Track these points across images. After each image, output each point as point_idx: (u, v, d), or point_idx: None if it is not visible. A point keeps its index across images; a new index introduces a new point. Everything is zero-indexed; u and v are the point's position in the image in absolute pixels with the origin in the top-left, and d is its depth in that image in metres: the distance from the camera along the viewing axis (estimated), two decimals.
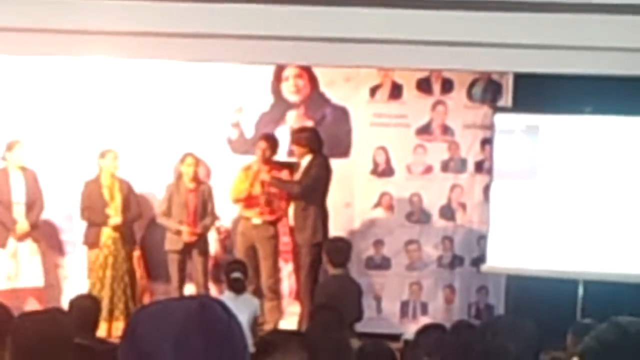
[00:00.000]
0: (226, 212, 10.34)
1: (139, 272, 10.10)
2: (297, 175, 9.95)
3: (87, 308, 6.52)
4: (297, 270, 10.21)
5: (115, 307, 9.68)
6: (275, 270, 10.23)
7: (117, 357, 2.02)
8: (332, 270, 9.08)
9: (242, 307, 8.46)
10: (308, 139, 9.97)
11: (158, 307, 2.05)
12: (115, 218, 9.78)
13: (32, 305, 9.52)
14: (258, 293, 9.89)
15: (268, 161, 10.03)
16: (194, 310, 1.97)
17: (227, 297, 8.89)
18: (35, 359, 4.11)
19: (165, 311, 2.00)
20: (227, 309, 2.01)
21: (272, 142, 10.09)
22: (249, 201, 10.05)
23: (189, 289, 10.04)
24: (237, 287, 9.10)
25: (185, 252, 9.97)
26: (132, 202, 9.98)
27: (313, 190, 9.84)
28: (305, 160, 9.91)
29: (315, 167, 9.87)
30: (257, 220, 10.06)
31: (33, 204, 9.79)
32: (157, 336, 1.95)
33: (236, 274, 9.14)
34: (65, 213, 10.28)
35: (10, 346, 4.19)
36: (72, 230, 10.26)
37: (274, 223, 10.15)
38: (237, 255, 10.05)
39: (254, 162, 10.06)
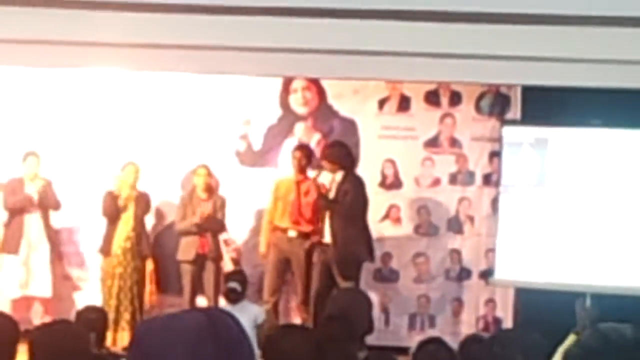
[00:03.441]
0: (235, 224, 10.33)
1: (150, 287, 10.03)
2: (331, 193, 9.65)
3: (94, 320, 6.54)
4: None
5: (121, 317, 9.63)
6: (306, 290, 9.80)
7: None
8: (343, 284, 9.06)
9: (239, 316, 8.44)
10: (339, 155, 9.70)
11: (166, 317, 2.05)
12: (127, 224, 9.79)
13: (37, 313, 9.57)
14: (275, 311, 9.67)
15: (303, 170, 9.86)
16: (204, 321, 1.98)
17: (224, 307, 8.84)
18: None
19: (174, 321, 2.00)
20: (236, 320, 2.02)
21: (306, 151, 9.94)
22: (284, 212, 9.82)
23: (201, 302, 9.97)
24: (232, 298, 9.07)
25: (198, 262, 9.87)
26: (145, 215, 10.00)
27: (357, 211, 9.63)
28: (338, 176, 9.66)
29: (353, 187, 9.61)
30: (292, 233, 9.83)
31: (47, 214, 9.88)
32: (166, 345, 1.96)
33: (232, 284, 9.11)
34: (79, 224, 10.31)
35: (29, 358, 4.19)
36: (86, 241, 10.29)
37: (308, 236, 9.85)
38: (267, 268, 9.88)
39: (291, 174, 9.91)
